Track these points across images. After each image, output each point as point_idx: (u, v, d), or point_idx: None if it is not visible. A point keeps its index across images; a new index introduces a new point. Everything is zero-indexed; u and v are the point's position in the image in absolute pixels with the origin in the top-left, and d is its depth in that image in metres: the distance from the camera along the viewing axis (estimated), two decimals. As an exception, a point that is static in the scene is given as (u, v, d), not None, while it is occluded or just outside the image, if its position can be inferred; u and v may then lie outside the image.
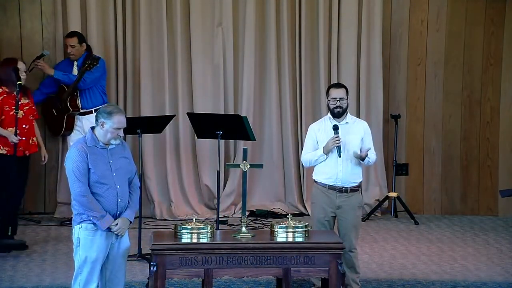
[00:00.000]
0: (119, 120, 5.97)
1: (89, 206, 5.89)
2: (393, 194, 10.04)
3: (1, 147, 8.06)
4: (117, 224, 5.97)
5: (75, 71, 9.24)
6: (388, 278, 7.58)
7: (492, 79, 10.28)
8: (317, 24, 10.05)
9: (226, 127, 8.16)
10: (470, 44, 10.25)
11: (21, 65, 8.20)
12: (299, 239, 6.20)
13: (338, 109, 6.96)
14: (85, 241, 5.93)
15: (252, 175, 9.83)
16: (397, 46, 10.29)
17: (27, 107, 8.19)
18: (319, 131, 7.03)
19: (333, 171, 6.93)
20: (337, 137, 6.84)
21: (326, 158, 6.93)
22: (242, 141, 9.47)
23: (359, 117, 10.15)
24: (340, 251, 6.20)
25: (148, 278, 6.28)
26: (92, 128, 6.04)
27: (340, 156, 6.86)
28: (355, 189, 6.99)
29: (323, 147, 6.92)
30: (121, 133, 6.02)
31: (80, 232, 5.94)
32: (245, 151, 6.46)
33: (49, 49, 9.79)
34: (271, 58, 10.00)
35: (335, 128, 6.88)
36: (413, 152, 10.40)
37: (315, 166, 7.05)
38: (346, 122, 7.01)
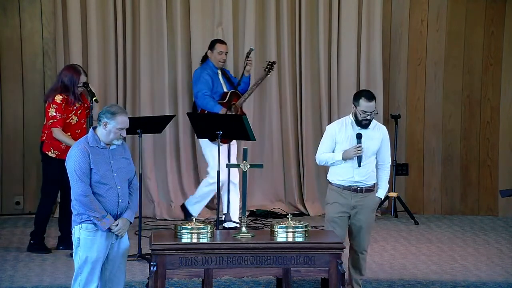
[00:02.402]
0: (123, 120, 5.98)
1: (91, 206, 5.89)
2: (393, 194, 10.04)
3: (52, 150, 8.07)
4: (117, 225, 5.97)
5: (222, 80, 9.13)
6: (388, 278, 7.58)
7: (492, 79, 10.28)
8: (317, 24, 10.05)
9: (226, 127, 8.16)
10: (470, 44, 10.25)
11: (83, 78, 8.10)
12: (299, 239, 6.21)
13: (366, 122, 6.81)
14: (85, 241, 5.93)
15: (252, 175, 9.83)
16: (397, 46, 10.29)
17: (80, 111, 8.11)
18: (339, 133, 6.86)
19: (349, 174, 6.83)
20: (359, 146, 6.72)
21: (344, 163, 6.84)
22: (242, 141, 9.47)
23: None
24: (340, 251, 6.20)
25: (148, 278, 6.28)
26: (93, 128, 6.04)
27: (359, 166, 6.76)
28: (371, 189, 6.91)
29: (343, 153, 6.77)
30: (124, 134, 6.03)
31: (80, 232, 5.95)
32: (245, 151, 6.46)
33: (48, 49, 9.80)
34: (271, 58, 9.99)
35: (359, 136, 6.75)
36: (413, 152, 10.40)
37: (330, 167, 6.97)
38: (369, 128, 6.86)
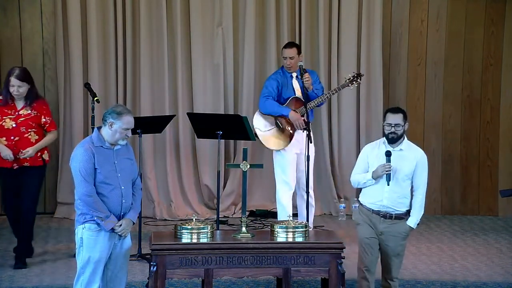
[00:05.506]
0: (128, 121, 5.99)
1: (94, 206, 5.89)
2: (393, 194, 10.03)
3: None
4: (121, 225, 5.98)
5: (296, 84, 8.54)
6: (388, 278, 7.57)
7: (492, 79, 10.28)
8: (317, 24, 10.04)
9: (226, 127, 8.16)
10: (470, 44, 10.25)
11: (13, 81, 7.56)
12: (299, 239, 6.21)
13: (393, 135, 6.65)
14: (89, 241, 5.94)
15: (252, 175, 9.83)
16: (397, 46, 10.29)
17: (22, 119, 7.64)
18: (371, 154, 6.75)
19: (378, 196, 6.68)
20: (388, 164, 6.58)
21: (375, 182, 6.68)
22: (242, 141, 9.46)
23: (359, 117, 10.17)
24: (340, 251, 6.20)
25: (148, 278, 6.28)
26: (98, 128, 6.05)
27: (388, 184, 6.59)
28: (401, 216, 6.71)
29: (373, 172, 6.65)
30: (129, 134, 6.03)
31: (83, 232, 5.95)
32: (245, 151, 6.46)
33: (48, 49, 9.80)
34: (271, 58, 10.00)
35: (388, 154, 6.61)
36: (413, 152, 10.39)
37: (362, 188, 6.82)
38: (401, 149, 6.70)
